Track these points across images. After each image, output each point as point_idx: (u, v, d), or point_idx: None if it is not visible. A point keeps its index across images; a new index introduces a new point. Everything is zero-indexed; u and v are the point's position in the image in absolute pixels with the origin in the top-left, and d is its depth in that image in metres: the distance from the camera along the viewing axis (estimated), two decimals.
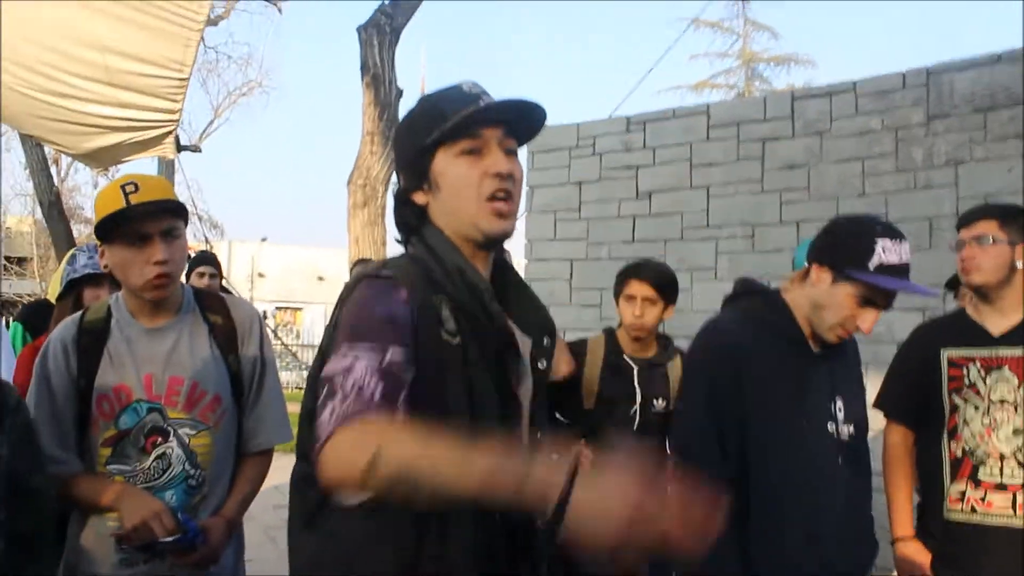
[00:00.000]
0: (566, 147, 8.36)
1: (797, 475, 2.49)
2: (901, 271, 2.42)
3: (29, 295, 23.53)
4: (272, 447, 2.73)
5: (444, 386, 1.67)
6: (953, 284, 4.05)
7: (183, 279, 2.79)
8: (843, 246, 2.49)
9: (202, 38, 4.44)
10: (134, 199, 2.45)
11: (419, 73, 43.02)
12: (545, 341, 1.89)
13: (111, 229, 2.47)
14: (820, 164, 6.99)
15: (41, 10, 4.17)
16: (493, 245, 1.84)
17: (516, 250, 8.93)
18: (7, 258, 30.05)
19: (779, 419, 2.50)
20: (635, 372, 3.63)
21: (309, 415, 1.65)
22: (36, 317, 4.17)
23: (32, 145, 12.57)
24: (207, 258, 6.14)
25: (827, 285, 2.48)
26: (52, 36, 4.26)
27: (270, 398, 2.71)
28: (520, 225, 8.61)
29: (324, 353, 1.69)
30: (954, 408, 3.05)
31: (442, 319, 1.70)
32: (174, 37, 4.29)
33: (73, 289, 3.42)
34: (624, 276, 3.70)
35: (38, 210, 20.48)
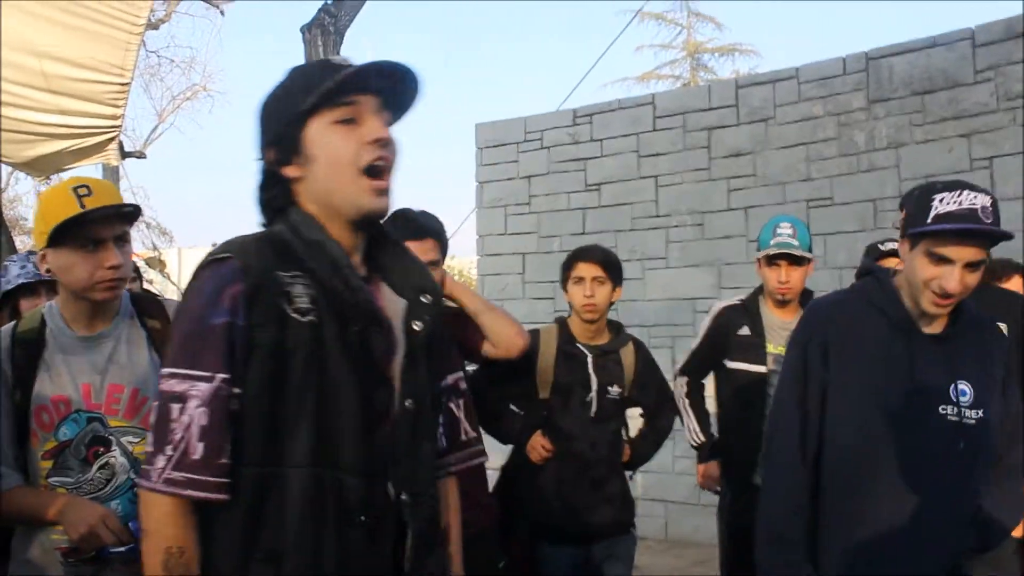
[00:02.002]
0: (514, 142, 8.38)
1: (881, 455, 2.46)
2: (962, 216, 2.35)
3: None
4: None
5: (287, 366, 1.63)
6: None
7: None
8: (909, 212, 2.48)
9: (143, 42, 4.40)
10: (89, 203, 2.39)
11: None
12: (423, 299, 1.82)
13: (62, 233, 2.40)
14: (765, 151, 7.08)
15: None
16: (369, 224, 1.77)
17: (467, 246, 8.94)
18: None
19: (865, 396, 2.48)
20: (589, 359, 3.63)
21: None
22: None
23: None
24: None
25: (907, 254, 2.47)
26: None
27: None
28: (471, 221, 8.65)
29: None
30: None
31: (292, 297, 1.64)
32: (113, 41, 4.23)
33: (8, 300, 3.34)
34: (570, 261, 3.72)
35: None
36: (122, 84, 4.44)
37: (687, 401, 4.16)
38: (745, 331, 3.93)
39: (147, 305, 2.63)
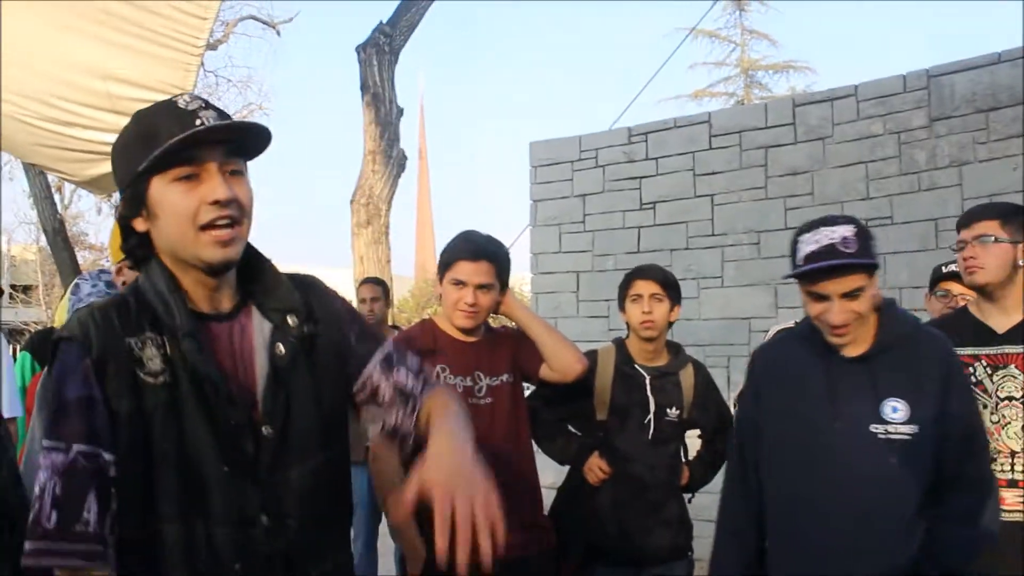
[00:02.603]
0: (568, 160, 8.36)
1: (815, 479, 2.58)
2: (821, 254, 2.50)
3: (35, 323, 23.59)
4: None
5: (148, 428, 1.65)
6: (932, 283, 4.05)
7: None
8: (791, 257, 2.64)
9: (202, 62, 4.44)
10: None
11: (418, 91, 43.14)
12: (289, 321, 1.81)
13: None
14: (823, 169, 6.99)
15: (42, 39, 4.18)
16: (216, 273, 1.75)
17: (522, 264, 8.95)
18: (12, 286, 30.11)
19: (792, 426, 2.64)
20: (647, 381, 3.60)
21: None
22: (43, 346, 4.19)
23: (35, 173, 12.61)
24: None
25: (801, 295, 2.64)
26: (54, 65, 4.27)
27: None
28: (524, 238, 8.64)
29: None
30: None
31: (143, 360, 1.66)
32: (174, 63, 4.29)
33: None
34: (628, 279, 3.70)
35: (43, 238, 20.55)
36: None
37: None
38: None
39: None
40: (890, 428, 2.52)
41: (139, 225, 1.74)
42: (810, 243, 2.53)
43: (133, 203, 1.71)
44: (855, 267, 2.49)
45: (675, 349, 3.76)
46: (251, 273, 1.84)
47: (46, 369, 1.77)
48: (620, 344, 3.73)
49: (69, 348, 1.66)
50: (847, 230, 2.50)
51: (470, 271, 3.14)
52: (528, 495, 3.27)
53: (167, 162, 1.64)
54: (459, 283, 3.15)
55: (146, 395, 1.65)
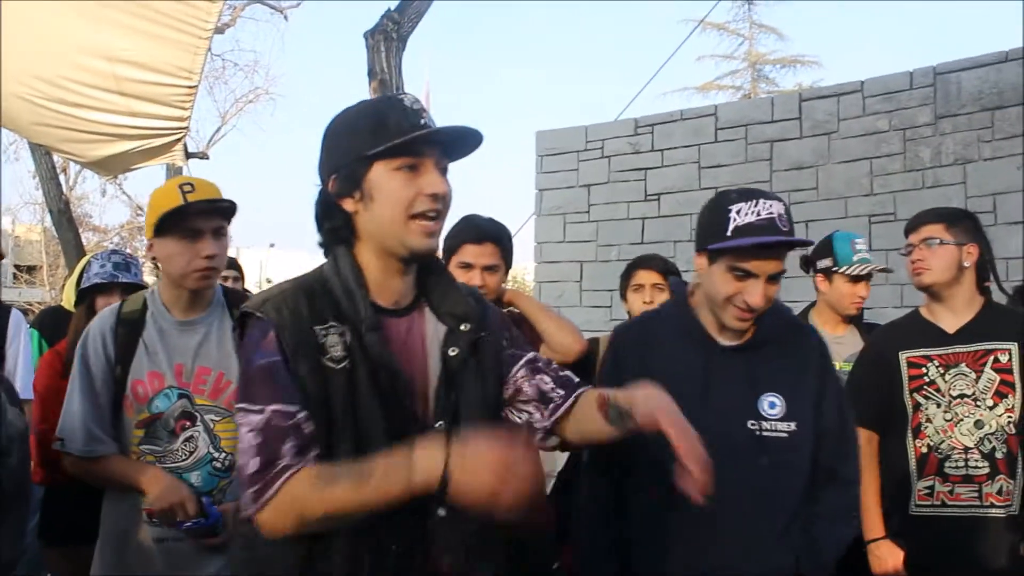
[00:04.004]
0: (574, 150, 8.37)
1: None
2: (762, 228, 2.30)
3: (39, 303, 23.63)
4: None
5: (331, 411, 1.76)
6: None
7: None
8: (704, 225, 2.42)
9: (210, 46, 4.45)
10: (191, 198, 2.67)
11: (424, 78, 43.08)
12: (462, 328, 1.92)
13: (167, 224, 2.68)
14: (828, 164, 7.00)
15: (50, 20, 4.18)
16: (418, 261, 1.88)
17: (526, 253, 8.95)
18: (17, 266, 30.14)
19: None
20: None
21: None
22: (51, 324, 4.25)
23: (41, 154, 12.62)
24: (230, 262, 6.47)
25: (706, 269, 2.41)
26: (61, 46, 4.27)
27: None
28: (529, 227, 8.65)
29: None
30: (916, 407, 3.14)
31: (326, 347, 1.77)
32: (182, 45, 4.29)
33: (86, 297, 3.50)
34: (630, 269, 3.72)
35: (47, 218, 20.58)
36: (190, 87, 4.51)
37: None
38: None
39: (236, 298, 2.87)
40: (766, 425, 2.37)
41: (348, 205, 1.83)
42: (748, 214, 2.31)
43: (349, 183, 1.81)
44: (786, 247, 2.36)
45: None
46: (427, 274, 1.96)
47: (235, 327, 1.89)
48: None
49: (259, 325, 1.78)
50: (782, 207, 2.35)
51: (476, 253, 3.19)
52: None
53: (396, 151, 1.76)
54: (466, 266, 3.19)
55: (328, 380, 1.76)
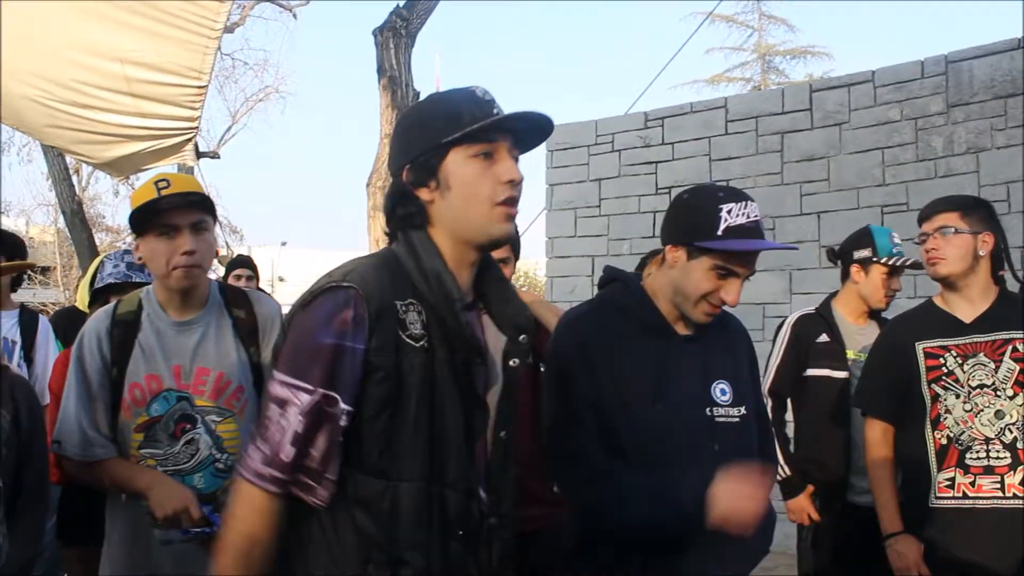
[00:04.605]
0: (584, 144, 8.36)
1: (656, 464, 2.31)
2: (751, 231, 2.33)
3: (53, 303, 23.71)
4: None
5: (403, 387, 1.75)
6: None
7: (216, 279, 2.86)
8: (690, 220, 2.39)
9: (219, 46, 4.46)
10: (165, 193, 2.60)
11: (434, 75, 43.08)
12: (521, 339, 1.93)
13: (144, 222, 2.62)
14: (840, 155, 6.97)
15: (61, 23, 4.20)
16: (495, 247, 1.90)
17: (537, 247, 8.95)
18: (31, 267, 30.24)
19: (634, 406, 2.33)
20: None
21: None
22: (66, 325, 4.25)
23: (54, 155, 12.67)
24: (244, 261, 6.57)
25: (683, 263, 2.37)
26: (72, 48, 4.29)
27: None
28: (540, 222, 8.65)
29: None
30: (935, 398, 3.10)
31: (407, 323, 1.76)
32: (192, 46, 4.30)
33: (100, 297, 3.50)
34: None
35: (61, 219, 20.64)
36: (199, 87, 4.53)
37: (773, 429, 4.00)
38: (824, 338, 3.89)
39: (234, 296, 2.83)
40: (719, 411, 2.39)
41: (424, 195, 1.83)
42: (738, 215, 2.33)
43: (424, 172, 1.82)
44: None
45: None
46: (483, 273, 1.96)
47: (299, 302, 1.84)
48: None
49: (337, 296, 1.75)
50: (757, 207, 2.41)
51: None
52: (541, 471, 3.30)
53: (471, 138, 1.78)
54: None
55: (406, 356, 1.76)
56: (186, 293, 2.69)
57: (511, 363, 1.91)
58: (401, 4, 11.53)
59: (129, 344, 2.67)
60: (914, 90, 6.68)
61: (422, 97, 2.37)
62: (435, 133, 1.80)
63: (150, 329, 2.68)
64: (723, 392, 2.42)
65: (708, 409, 2.39)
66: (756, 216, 2.36)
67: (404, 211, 1.87)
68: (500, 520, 1.88)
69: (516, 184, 1.81)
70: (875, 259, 3.83)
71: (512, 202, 1.82)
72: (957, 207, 3.14)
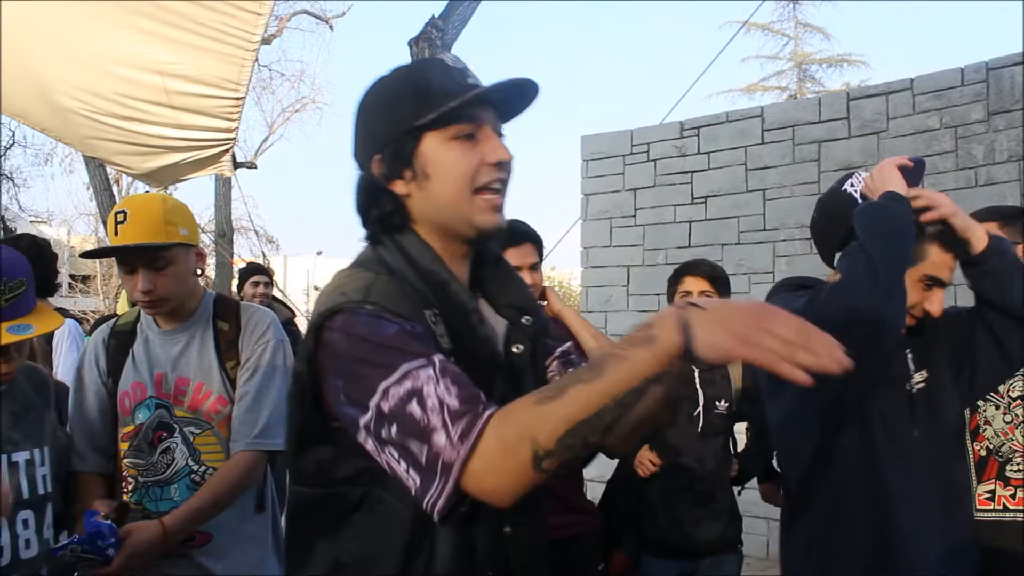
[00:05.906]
0: (620, 154, 8.35)
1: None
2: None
3: (93, 312, 24.01)
4: (249, 451, 2.60)
5: None
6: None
7: (235, 288, 2.89)
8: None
9: (256, 57, 4.51)
10: (122, 231, 2.51)
11: None
12: (523, 321, 1.72)
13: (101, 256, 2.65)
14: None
15: (103, 37, 4.27)
16: (485, 240, 1.66)
17: (572, 257, 8.93)
18: (72, 276, 30.69)
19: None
20: (696, 374, 3.61)
21: (298, 438, 1.61)
22: None
23: (95, 166, 12.87)
24: (260, 269, 6.69)
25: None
26: (114, 62, 4.36)
27: (255, 403, 2.63)
28: (575, 232, 8.64)
29: (302, 392, 1.55)
30: (974, 409, 3.03)
31: (437, 336, 1.52)
32: (230, 58, 4.36)
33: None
34: (678, 275, 3.70)
35: (101, 229, 20.89)
36: (237, 99, 4.58)
37: None
38: None
39: (224, 308, 2.79)
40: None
41: (399, 188, 1.60)
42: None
43: (397, 162, 1.58)
44: None
45: None
46: (480, 263, 1.74)
47: (309, 334, 1.53)
48: None
49: (362, 316, 1.48)
50: None
51: (518, 256, 3.20)
52: (571, 479, 3.31)
53: (448, 118, 1.54)
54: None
55: None
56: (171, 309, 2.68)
57: (515, 349, 1.68)
58: (436, 15, 11.58)
59: (124, 354, 2.69)
60: (954, 98, 6.61)
61: None
62: (405, 116, 1.56)
63: (141, 338, 2.70)
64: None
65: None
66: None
67: (380, 211, 1.63)
68: (515, 529, 1.65)
69: (504, 165, 1.59)
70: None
71: (500, 187, 1.60)
72: (998, 216, 3.09)
